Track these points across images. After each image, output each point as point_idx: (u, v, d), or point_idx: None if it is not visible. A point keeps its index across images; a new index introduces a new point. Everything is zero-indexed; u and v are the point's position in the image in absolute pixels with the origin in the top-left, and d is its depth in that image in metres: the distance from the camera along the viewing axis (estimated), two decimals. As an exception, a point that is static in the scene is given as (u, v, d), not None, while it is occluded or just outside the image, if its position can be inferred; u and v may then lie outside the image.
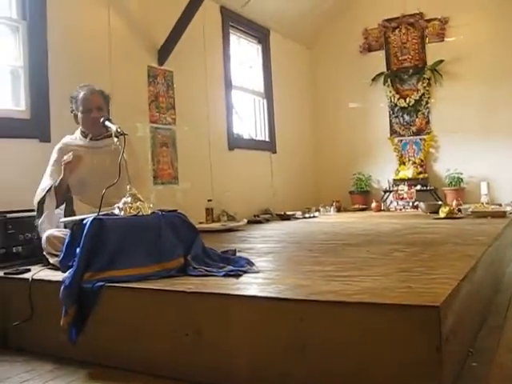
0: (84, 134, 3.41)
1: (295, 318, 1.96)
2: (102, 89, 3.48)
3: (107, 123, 3.15)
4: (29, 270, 2.94)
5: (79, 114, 3.35)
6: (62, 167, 3.14)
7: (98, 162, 3.29)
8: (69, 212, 3.20)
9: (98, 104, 3.34)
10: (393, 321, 1.80)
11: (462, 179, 7.36)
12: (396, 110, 8.06)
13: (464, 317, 2.19)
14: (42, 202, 3.15)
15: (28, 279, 2.72)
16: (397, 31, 8.04)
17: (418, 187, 7.46)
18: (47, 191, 3.16)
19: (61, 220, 3.04)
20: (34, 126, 4.06)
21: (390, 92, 8.03)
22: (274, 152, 7.52)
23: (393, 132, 8.10)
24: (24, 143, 3.95)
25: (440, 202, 6.65)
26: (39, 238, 3.16)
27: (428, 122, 7.85)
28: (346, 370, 1.86)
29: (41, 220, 3.13)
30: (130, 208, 2.80)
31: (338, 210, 7.75)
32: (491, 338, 2.51)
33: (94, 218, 2.58)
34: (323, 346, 1.91)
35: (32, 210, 3.41)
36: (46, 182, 3.24)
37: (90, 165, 3.30)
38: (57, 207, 3.19)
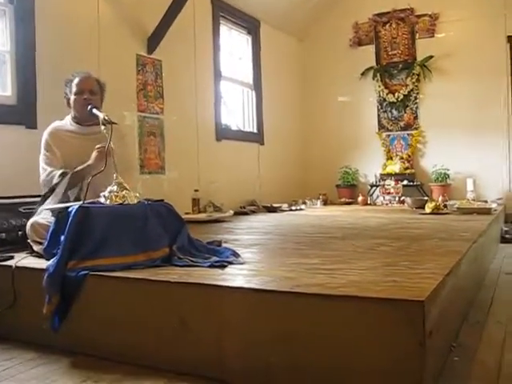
0: (75, 120, 3.37)
1: (280, 309, 1.96)
2: (97, 77, 3.48)
3: (95, 111, 3.13)
4: (12, 257, 2.91)
5: (72, 97, 3.32)
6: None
7: (87, 149, 3.25)
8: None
9: (91, 87, 3.33)
10: (377, 315, 1.80)
11: (448, 175, 7.40)
12: (384, 104, 8.07)
13: (448, 312, 2.21)
14: (52, 189, 3.10)
15: (11, 266, 2.69)
16: (387, 26, 8.04)
17: (405, 182, 7.50)
18: (62, 176, 3.13)
19: (46, 207, 3.01)
20: (21, 112, 4.01)
21: (379, 86, 8.04)
22: (262, 144, 7.51)
23: (381, 127, 8.12)
24: (10, 129, 3.91)
25: (426, 198, 6.70)
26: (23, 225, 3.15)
27: (416, 118, 7.87)
28: (329, 362, 1.87)
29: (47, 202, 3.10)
30: (116, 197, 2.78)
31: (325, 203, 7.77)
32: (473, 334, 2.53)
33: (80, 206, 2.56)
34: (308, 339, 1.91)
35: (17, 197, 3.39)
36: (50, 169, 3.20)
37: (79, 151, 3.26)
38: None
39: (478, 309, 2.99)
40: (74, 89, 3.32)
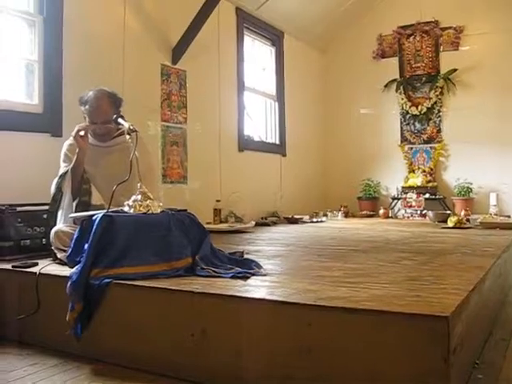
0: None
1: (302, 322, 1.95)
2: (114, 91, 3.36)
3: (120, 120, 3.14)
4: (36, 264, 2.95)
5: (86, 121, 3.28)
6: (76, 140, 3.12)
7: (108, 161, 3.29)
8: (83, 204, 3.17)
9: (103, 118, 3.23)
10: (401, 330, 1.79)
11: (471, 189, 7.32)
12: (407, 117, 8.03)
13: (472, 328, 2.18)
14: (59, 188, 3.13)
15: (35, 273, 2.72)
16: (411, 38, 8.02)
17: (427, 196, 7.44)
18: (64, 173, 3.14)
19: (70, 215, 3.04)
20: (47, 121, 4.07)
21: (402, 99, 8.01)
22: (284, 155, 7.52)
23: (403, 139, 8.08)
24: (36, 137, 3.96)
25: (448, 212, 6.64)
26: (46, 232, 3.17)
27: (439, 131, 7.82)
28: (350, 377, 1.85)
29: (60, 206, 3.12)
30: (140, 206, 2.80)
31: (346, 215, 7.73)
32: (497, 351, 2.49)
33: (104, 215, 2.58)
34: (329, 352, 1.90)
35: (42, 204, 3.43)
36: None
37: (103, 163, 3.30)
38: (73, 195, 3.13)
39: (502, 325, 2.95)
40: (86, 115, 3.27)
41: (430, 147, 7.87)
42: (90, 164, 3.25)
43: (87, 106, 3.25)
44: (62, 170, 3.22)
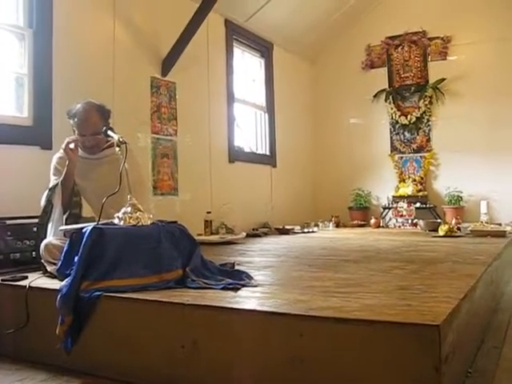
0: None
1: (294, 333, 1.95)
2: (102, 103, 3.33)
3: (109, 132, 3.13)
4: (26, 278, 2.92)
5: (76, 134, 3.26)
6: (66, 152, 3.12)
7: (98, 173, 3.28)
8: (73, 217, 3.18)
9: (92, 130, 3.21)
10: (392, 339, 1.78)
11: (461, 198, 7.36)
12: (397, 127, 8.07)
13: (463, 337, 2.18)
14: (49, 200, 3.11)
15: (25, 286, 2.70)
16: (399, 48, 8.08)
17: (418, 205, 7.45)
18: (55, 186, 3.12)
19: (60, 228, 3.02)
20: (36, 134, 4.06)
21: (392, 109, 8.05)
22: (274, 166, 7.53)
23: (393, 149, 8.11)
24: (25, 150, 3.95)
25: (439, 220, 6.65)
26: (36, 245, 3.15)
27: (429, 140, 7.86)
28: (343, 387, 1.85)
29: (51, 218, 3.09)
30: (130, 218, 2.79)
31: (337, 225, 7.74)
32: (490, 359, 2.48)
33: (94, 227, 2.57)
34: (321, 362, 1.89)
35: (31, 217, 3.41)
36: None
37: (90, 175, 3.29)
38: (63, 207, 3.11)
39: (494, 333, 2.95)
40: (75, 128, 3.25)
41: (420, 156, 7.91)
42: (80, 176, 3.25)
43: (76, 119, 3.24)
44: (52, 183, 3.20)
